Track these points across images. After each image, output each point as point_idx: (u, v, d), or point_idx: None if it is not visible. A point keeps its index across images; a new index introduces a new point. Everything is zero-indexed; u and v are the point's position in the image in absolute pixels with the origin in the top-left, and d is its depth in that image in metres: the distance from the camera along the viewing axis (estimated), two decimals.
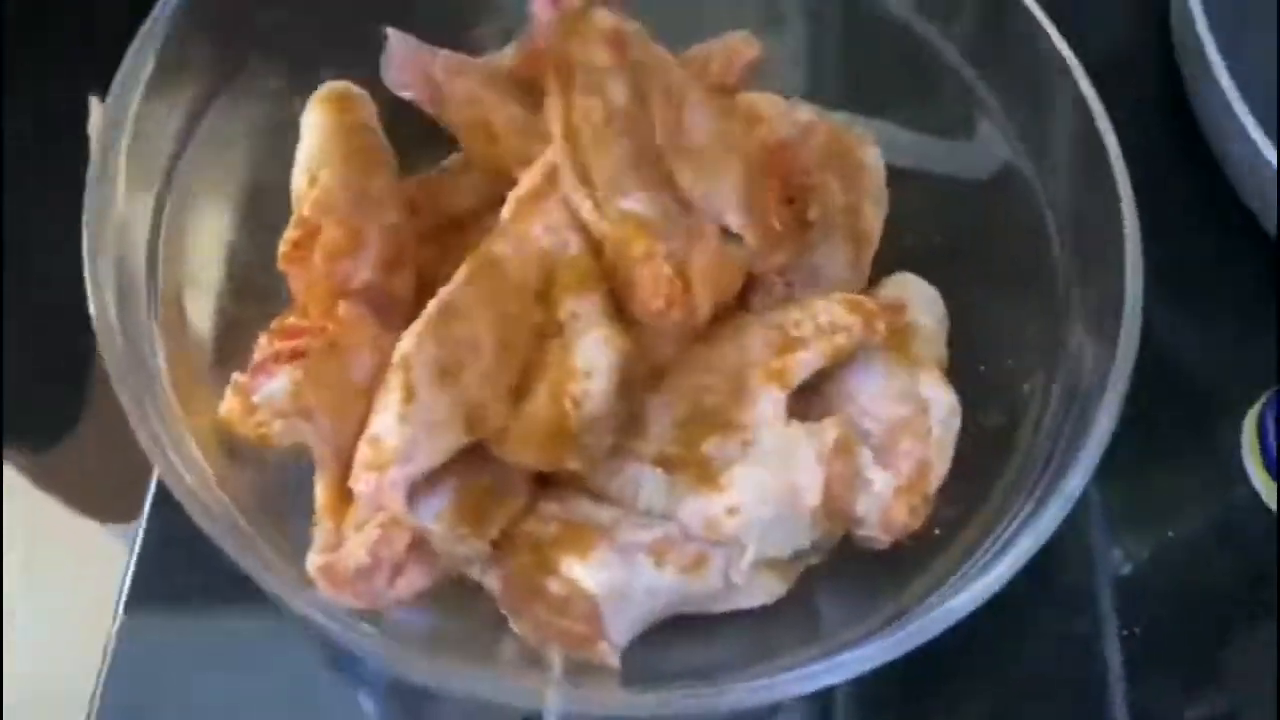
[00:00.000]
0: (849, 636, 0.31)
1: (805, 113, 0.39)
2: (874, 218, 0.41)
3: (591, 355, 0.33)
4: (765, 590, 0.35)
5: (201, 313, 0.39)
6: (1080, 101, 0.38)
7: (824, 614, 0.37)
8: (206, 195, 0.39)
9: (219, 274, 0.40)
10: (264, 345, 0.35)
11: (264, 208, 0.39)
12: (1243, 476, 0.48)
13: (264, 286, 0.38)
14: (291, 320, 0.37)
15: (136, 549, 0.41)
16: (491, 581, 0.34)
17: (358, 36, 0.42)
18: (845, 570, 0.37)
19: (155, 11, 0.36)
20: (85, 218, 0.33)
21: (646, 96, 0.37)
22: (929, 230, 0.44)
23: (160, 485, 0.42)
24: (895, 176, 0.43)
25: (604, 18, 0.38)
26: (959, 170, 0.46)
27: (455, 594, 0.35)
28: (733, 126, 0.37)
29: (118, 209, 0.34)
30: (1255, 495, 0.47)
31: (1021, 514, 0.34)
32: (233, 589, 0.31)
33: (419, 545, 0.31)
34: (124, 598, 0.40)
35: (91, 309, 0.32)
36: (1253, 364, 0.50)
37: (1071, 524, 0.34)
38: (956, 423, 0.36)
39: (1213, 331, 0.53)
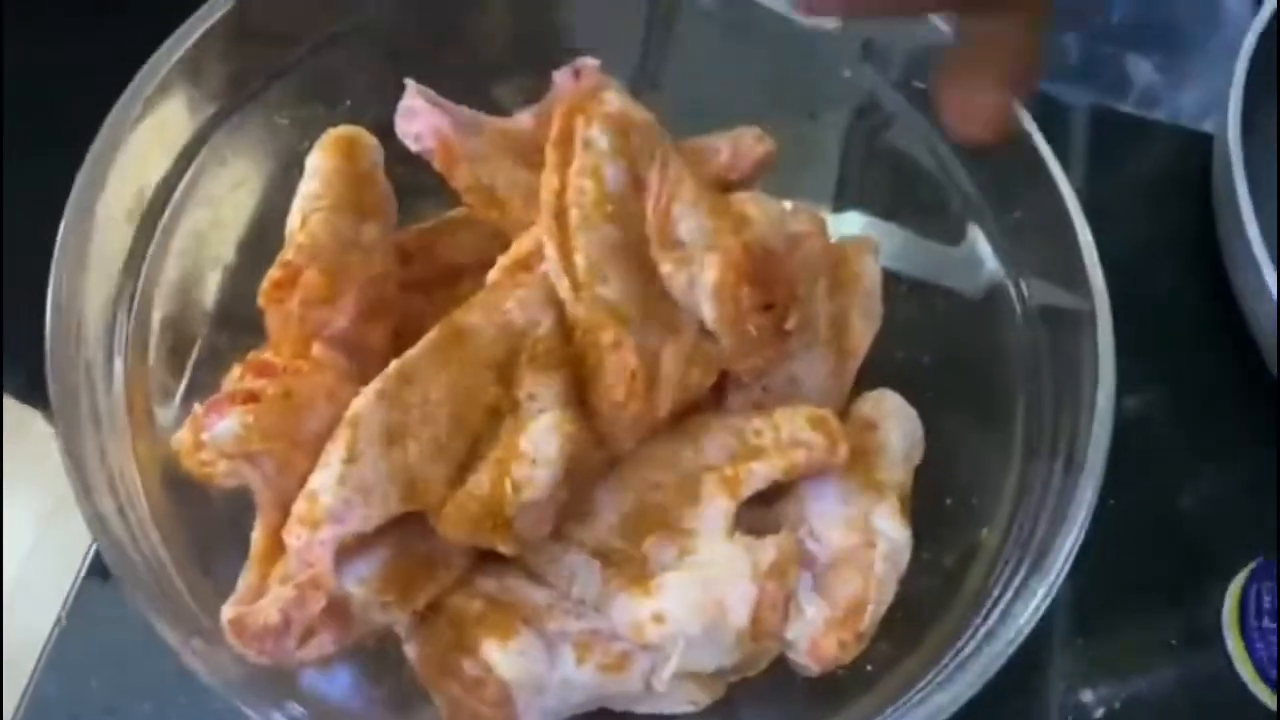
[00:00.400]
0: None
1: (800, 222, 0.38)
2: (862, 330, 0.40)
3: (540, 441, 0.33)
4: (687, 698, 0.35)
5: (182, 338, 0.39)
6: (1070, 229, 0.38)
7: None
8: (204, 224, 0.40)
9: (209, 301, 0.41)
10: (234, 378, 0.36)
11: (265, 241, 0.40)
12: (1221, 644, 0.46)
13: (250, 319, 0.39)
14: (266, 355, 0.37)
15: None
16: (410, 653, 0.33)
17: (378, 79, 0.43)
18: (775, 688, 0.36)
19: (180, 31, 0.37)
20: (62, 229, 0.34)
21: (641, 184, 0.37)
22: (921, 348, 0.43)
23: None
24: (898, 285, 0.43)
25: (613, 101, 0.38)
26: (959, 284, 0.46)
27: (379, 657, 0.35)
28: (720, 226, 0.36)
29: (98, 227, 0.35)
30: (1230, 664, 0.46)
31: (961, 655, 0.33)
32: None
33: (336, 609, 0.31)
34: None
35: (49, 315, 0.33)
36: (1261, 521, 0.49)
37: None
38: (905, 559, 0.35)
39: (1219, 484, 0.52)
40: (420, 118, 0.40)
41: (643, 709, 0.35)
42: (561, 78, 0.43)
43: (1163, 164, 0.60)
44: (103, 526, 0.29)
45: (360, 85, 0.43)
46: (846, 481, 0.36)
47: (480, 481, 0.33)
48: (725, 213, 0.37)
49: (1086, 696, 0.48)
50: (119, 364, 0.35)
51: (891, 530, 0.35)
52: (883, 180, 0.46)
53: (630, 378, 0.34)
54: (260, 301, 0.37)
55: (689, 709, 0.35)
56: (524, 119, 0.43)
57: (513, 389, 0.34)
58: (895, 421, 0.39)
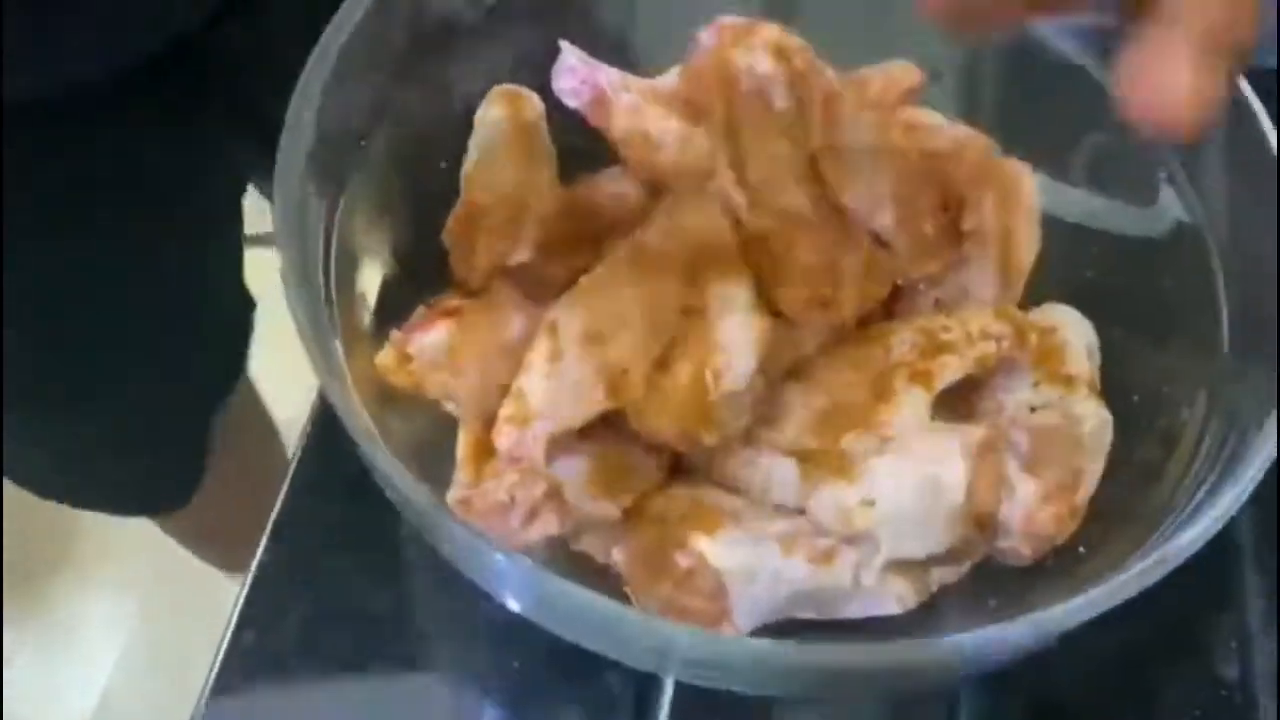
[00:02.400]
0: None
1: (965, 133, 0.39)
2: (1027, 244, 0.40)
3: (734, 333, 0.33)
4: (896, 596, 0.34)
5: (369, 289, 0.41)
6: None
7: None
8: (386, 174, 0.41)
9: (386, 259, 0.43)
10: (421, 313, 0.37)
11: (433, 193, 0.41)
12: None
13: (425, 274, 0.40)
14: (449, 299, 0.38)
15: (247, 584, 0.42)
16: (618, 557, 0.34)
17: (538, 53, 0.45)
18: (978, 594, 0.36)
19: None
20: (275, 207, 0.35)
21: (806, 104, 0.38)
22: (1081, 267, 0.43)
23: (274, 527, 0.43)
24: (1048, 221, 0.43)
25: (770, 29, 0.39)
26: (1115, 225, 0.46)
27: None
28: (889, 136, 0.37)
29: (300, 202, 0.36)
30: None
31: (1171, 531, 0.32)
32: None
33: (554, 495, 0.31)
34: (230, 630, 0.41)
35: (282, 280, 0.34)
36: None
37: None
38: (1108, 437, 0.34)
39: None
40: (576, 73, 0.42)
41: (849, 612, 0.34)
42: (705, 35, 0.44)
43: None
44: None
45: (520, 58, 0.45)
46: (1038, 373, 0.36)
47: (680, 376, 0.33)
48: (891, 125, 0.38)
49: None
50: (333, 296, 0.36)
51: (1092, 409, 0.34)
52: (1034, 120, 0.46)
53: (814, 276, 0.35)
54: (445, 239, 0.39)
55: (895, 609, 0.34)
56: (670, 77, 0.45)
57: (701, 295, 0.35)
58: (1071, 325, 0.39)
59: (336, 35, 0.37)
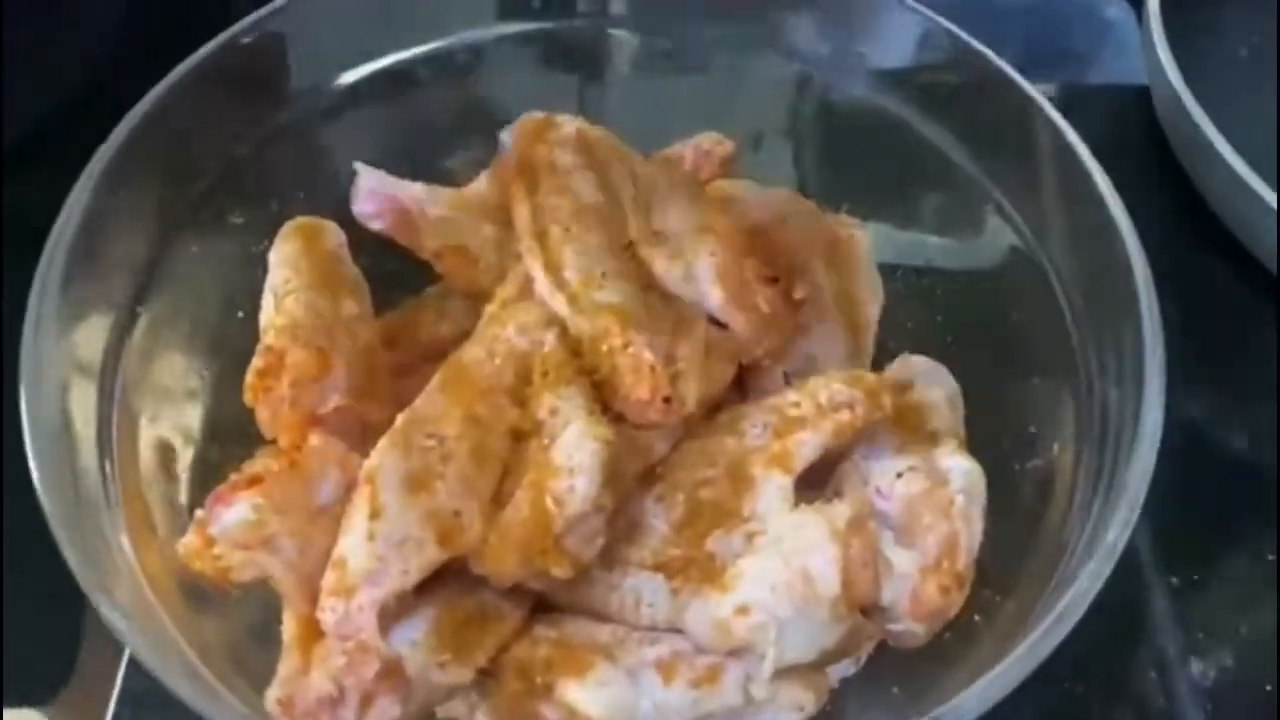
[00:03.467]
0: None
1: (787, 199, 0.37)
2: (868, 300, 0.39)
3: (574, 450, 0.30)
4: (794, 705, 0.31)
5: (174, 457, 0.37)
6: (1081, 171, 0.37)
7: None
8: (171, 334, 0.38)
9: (193, 417, 0.39)
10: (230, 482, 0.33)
11: (232, 347, 0.38)
12: None
13: (237, 430, 0.37)
14: (261, 460, 0.34)
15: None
16: (481, 718, 0.30)
17: (328, 174, 0.42)
18: (877, 684, 0.33)
19: (102, 149, 0.36)
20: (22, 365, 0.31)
21: (615, 192, 0.36)
22: (930, 313, 0.41)
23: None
24: (889, 272, 0.42)
25: (569, 122, 0.37)
26: (955, 263, 0.45)
27: None
28: (705, 210, 0.35)
29: (56, 359, 0.32)
30: None
31: (1066, 576, 0.30)
32: None
33: (392, 673, 0.28)
34: None
35: (31, 462, 0.30)
36: None
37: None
38: (982, 491, 0.32)
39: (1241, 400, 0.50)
40: (374, 195, 0.40)
41: None
42: (508, 134, 0.42)
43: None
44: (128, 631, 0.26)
45: (309, 182, 0.42)
46: (899, 436, 0.34)
47: (518, 507, 0.30)
48: (708, 198, 0.36)
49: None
50: (114, 488, 0.33)
51: (960, 464, 0.32)
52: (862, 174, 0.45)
53: (650, 371, 0.32)
54: (247, 397, 0.35)
55: (795, 717, 0.31)
56: (478, 184, 0.43)
57: (531, 410, 0.32)
58: (927, 376, 0.37)
59: (81, 196, 0.34)
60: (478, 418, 0.32)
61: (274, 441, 0.35)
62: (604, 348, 0.33)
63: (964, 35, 0.40)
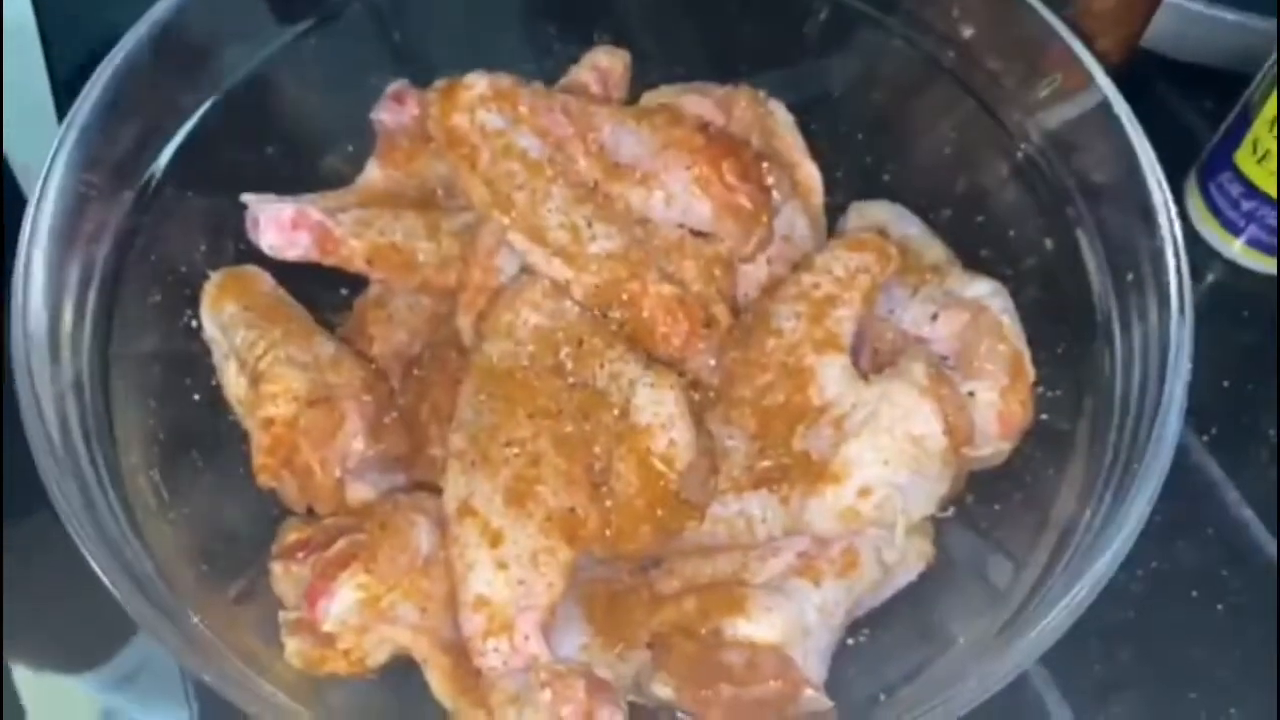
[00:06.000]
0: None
1: (721, 93, 0.37)
2: (811, 169, 0.39)
3: (656, 405, 0.30)
4: (919, 557, 0.33)
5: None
6: None
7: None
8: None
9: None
10: (285, 573, 0.30)
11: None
12: None
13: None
14: (294, 536, 0.32)
15: None
16: (666, 692, 0.29)
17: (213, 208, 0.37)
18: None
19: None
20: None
21: (560, 139, 0.34)
22: (857, 153, 0.42)
23: None
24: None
25: (477, 80, 0.35)
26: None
27: None
28: (658, 128, 0.34)
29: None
30: None
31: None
32: None
33: (595, 683, 0.27)
34: None
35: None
36: None
37: None
38: (1010, 303, 0.34)
39: None
40: (278, 224, 0.36)
41: (884, 595, 0.33)
42: (381, 113, 0.39)
43: None
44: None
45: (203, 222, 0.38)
46: (903, 282, 0.35)
47: (628, 480, 0.29)
48: (653, 114, 0.35)
49: None
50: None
51: (985, 286, 0.34)
52: None
53: (680, 303, 0.32)
54: (260, 481, 0.32)
55: (921, 568, 0.33)
56: (369, 174, 0.39)
57: (589, 382, 0.31)
58: (894, 216, 0.38)
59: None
60: (544, 409, 0.30)
61: (290, 511, 0.32)
62: (623, 296, 0.32)
63: None
